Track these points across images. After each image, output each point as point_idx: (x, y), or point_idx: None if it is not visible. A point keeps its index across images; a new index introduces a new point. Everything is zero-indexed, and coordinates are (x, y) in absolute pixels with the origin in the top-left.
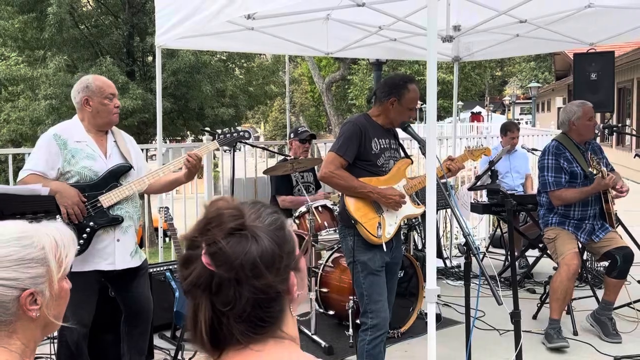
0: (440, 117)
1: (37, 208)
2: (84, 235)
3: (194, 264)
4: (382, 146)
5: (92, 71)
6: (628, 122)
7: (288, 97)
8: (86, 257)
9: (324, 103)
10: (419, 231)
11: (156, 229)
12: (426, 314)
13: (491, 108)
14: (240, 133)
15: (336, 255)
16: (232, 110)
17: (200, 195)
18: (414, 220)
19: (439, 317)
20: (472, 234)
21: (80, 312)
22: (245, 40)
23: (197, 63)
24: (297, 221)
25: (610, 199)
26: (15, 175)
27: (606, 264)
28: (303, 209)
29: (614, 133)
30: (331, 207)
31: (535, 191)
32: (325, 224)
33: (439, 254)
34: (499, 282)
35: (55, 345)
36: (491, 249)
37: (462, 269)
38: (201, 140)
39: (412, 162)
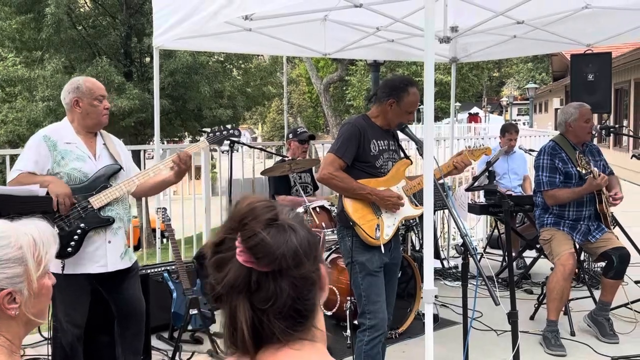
0: (437, 118)
1: (35, 209)
2: (75, 237)
3: (228, 265)
4: (381, 147)
5: (89, 71)
6: (625, 123)
7: (286, 98)
8: (78, 259)
9: (321, 104)
10: (416, 232)
11: (154, 230)
12: (424, 314)
13: (489, 109)
14: (230, 131)
15: (334, 256)
16: (230, 111)
17: (198, 196)
18: (411, 221)
19: (436, 318)
20: (470, 235)
21: (72, 314)
22: (243, 41)
23: (195, 64)
24: None
25: (605, 200)
26: None
27: (603, 264)
28: (301, 209)
29: (611, 134)
30: (329, 207)
31: None
32: (323, 224)
33: (437, 255)
34: (496, 283)
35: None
36: (488, 249)
37: (460, 269)
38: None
39: (411, 163)
